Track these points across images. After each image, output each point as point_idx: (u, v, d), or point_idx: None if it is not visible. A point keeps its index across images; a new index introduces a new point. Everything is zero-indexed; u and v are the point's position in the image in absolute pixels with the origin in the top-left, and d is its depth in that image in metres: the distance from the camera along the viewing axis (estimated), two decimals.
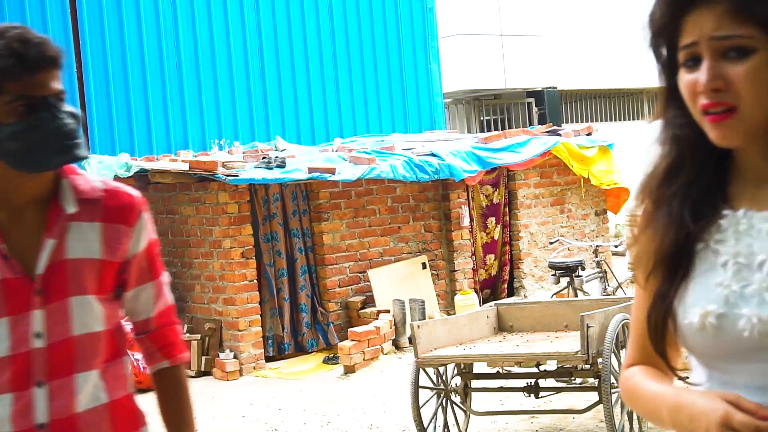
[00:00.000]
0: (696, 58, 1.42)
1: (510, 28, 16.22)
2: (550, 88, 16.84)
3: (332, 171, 9.03)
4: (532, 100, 16.92)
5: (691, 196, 1.47)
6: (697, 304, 1.43)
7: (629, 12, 17.78)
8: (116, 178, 8.61)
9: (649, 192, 1.53)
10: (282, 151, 9.86)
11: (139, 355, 8.35)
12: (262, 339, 8.99)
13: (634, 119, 18.50)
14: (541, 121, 15.78)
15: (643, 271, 1.54)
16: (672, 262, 1.48)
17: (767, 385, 1.39)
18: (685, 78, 1.44)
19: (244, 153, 9.84)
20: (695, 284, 1.45)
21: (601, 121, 17.88)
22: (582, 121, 17.25)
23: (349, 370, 8.45)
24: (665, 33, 1.46)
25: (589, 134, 11.54)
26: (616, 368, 5.45)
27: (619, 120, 18.34)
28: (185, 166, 8.66)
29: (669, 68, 1.49)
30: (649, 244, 1.51)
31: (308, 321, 9.44)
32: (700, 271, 1.45)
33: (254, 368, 8.82)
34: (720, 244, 1.45)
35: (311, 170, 8.94)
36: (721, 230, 1.46)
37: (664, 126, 1.52)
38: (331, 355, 9.00)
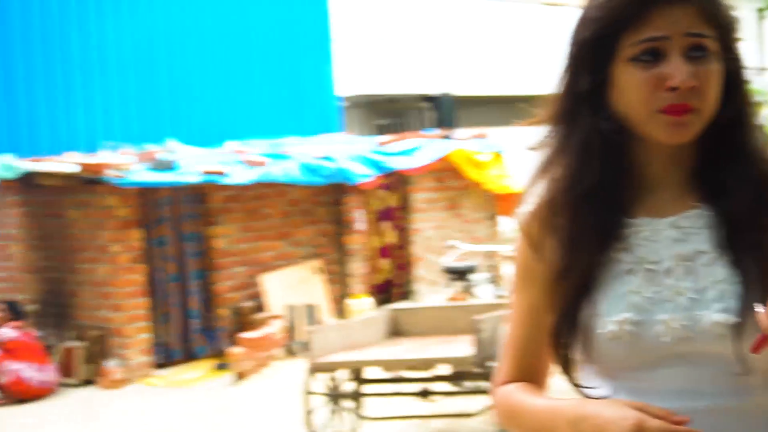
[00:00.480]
0: (655, 53, 1.38)
1: (407, 32, 16.26)
2: (445, 93, 16.95)
3: (225, 174, 8.87)
4: (427, 105, 17.00)
5: (596, 204, 1.44)
6: (611, 313, 1.40)
7: (521, 22, 18.06)
8: None
9: (551, 200, 1.48)
10: (173, 153, 9.62)
11: (19, 365, 8.04)
12: (150, 346, 8.76)
13: (525, 126, 18.76)
14: (437, 126, 15.86)
15: (532, 282, 1.51)
16: (577, 273, 1.43)
17: (677, 391, 1.39)
18: (641, 73, 1.38)
19: (133, 155, 9.57)
20: (605, 294, 1.42)
21: (495, 126, 18.09)
22: (476, 127, 17.42)
23: (240, 376, 8.30)
24: (624, 24, 1.39)
25: (483, 139, 11.64)
26: None
27: (512, 125, 18.59)
28: (74, 168, 8.37)
29: (601, 64, 1.42)
30: (550, 255, 1.47)
31: (198, 327, 9.24)
32: (607, 280, 1.42)
33: (142, 376, 8.57)
34: (623, 252, 1.43)
35: (204, 173, 8.77)
36: (624, 238, 1.44)
37: (569, 129, 1.46)
38: (222, 362, 8.82)
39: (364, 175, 9.95)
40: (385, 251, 10.90)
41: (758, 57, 25.27)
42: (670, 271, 1.41)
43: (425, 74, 16.50)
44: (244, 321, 9.33)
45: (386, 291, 10.96)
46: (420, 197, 11.14)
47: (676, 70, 1.36)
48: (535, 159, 1.53)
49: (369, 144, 10.90)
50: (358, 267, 10.42)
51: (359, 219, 10.41)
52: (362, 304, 9.71)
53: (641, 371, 1.40)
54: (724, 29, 1.41)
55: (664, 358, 1.38)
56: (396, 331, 6.48)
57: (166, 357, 9.09)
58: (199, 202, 9.40)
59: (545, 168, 1.50)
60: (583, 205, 1.44)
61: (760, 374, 1.38)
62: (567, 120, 1.47)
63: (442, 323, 6.41)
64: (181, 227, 9.25)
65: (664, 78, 1.37)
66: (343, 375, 6.19)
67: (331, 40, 12.62)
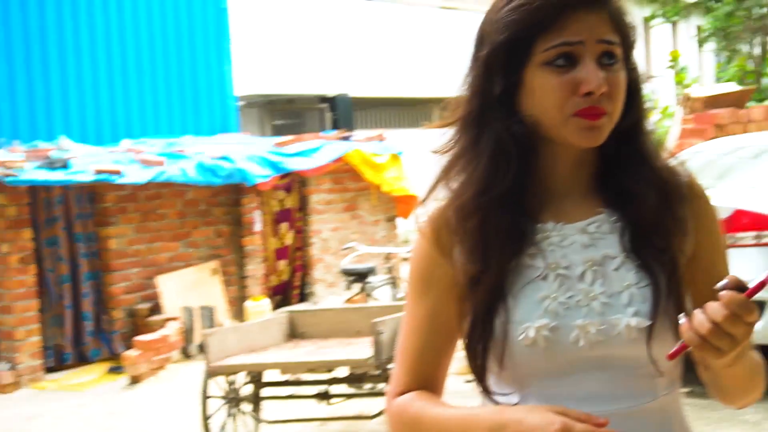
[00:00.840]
0: (569, 58, 1.39)
1: (304, 32, 16.24)
2: (343, 94, 16.99)
3: (119, 173, 8.72)
4: (325, 105, 17.02)
5: (507, 209, 1.44)
6: (527, 319, 1.40)
7: (418, 25, 18.22)
8: None
9: (460, 204, 1.46)
10: (66, 151, 9.39)
11: None
12: (41, 349, 8.53)
13: (422, 127, 18.94)
14: (335, 127, 15.89)
15: (433, 287, 1.49)
16: (490, 279, 1.42)
17: (591, 396, 1.40)
18: (555, 78, 1.40)
19: (24, 152, 9.31)
20: (519, 300, 1.41)
21: (393, 128, 18.21)
22: (374, 128, 17.51)
23: (135, 380, 8.17)
24: (539, 28, 1.39)
25: (380, 141, 11.71)
26: None
27: (409, 128, 18.75)
28: None
29: (515, 67, 1.42)
30: (460, 260, 1.45)
31: (92, 329, 9.05)
32: (520, 286, 1.42)
33: (32, 380, 8.35)
34: (533, 258, 1.44)
35: (97, 172, 8.59)
36: (534, 243, 1.44)
37: (478, 133, 1.45)
38: (116, 365, 8.66)
39: (261, 175, 9.90)
40: (283, 253, 10.87)
41: (645, 65, 26.04)
42: (582, 276, 1.42)
43: (323, 75, 16.52)
44: (139, 323, 9.18)
45: (284, 293, 10.93)
46: (318, 198, 11.15)
47: (591, 75, 1.38)
48: (438, 162, 1.51)
49: (266, 144, 10.85)
50: (256, 268, 10.37)
51: (257, 220, 10.36)
52: (260, 306, 9.66)
53: (556, 377, 1.41)
54: (627, 38, 1.45)
55: (579, 364, 1.40)
56: (294, 333, 6.47)
57: (58, 360, 8.87)
58: (93, 201, 9.21)
59: (450, 171, 1.49)
60: (495, 210, 1.43)
61: (666, 375, 1.44)
62: (476, 123, 1.45)
63: (340, 325, 6.43)
64: (74, 227, 9.04)
65: (578, 83, 1.39)
66: (241, 378, 6.16)
67: (229, 39, 12.51)
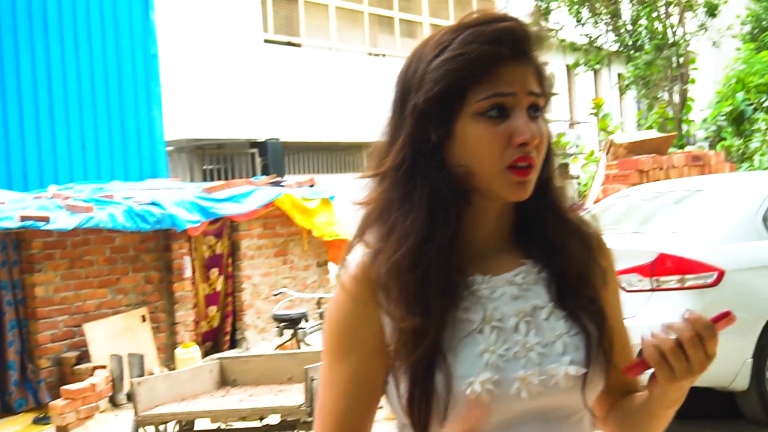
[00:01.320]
0: (502, 110, 1.41)
1: (233, 77, 16.26)
2: (273, 139, 17.02)
3: (46, 219, 8.59)
4: (255, 150, 17.02)
5: (441, 263, 1.41)
6: (470, 374, 1.37)
7: (347, 71, 18.38)
8: None
9: (391, 260, 1.41)
10: None
11: None
12: None
13: (353, 172, 19.05)
14: (265, 172, 15.88)
15: (357, 347, 1.44)
16: (429, 336, 1.38)
17: None
18: (491, 129, 1.40)
19: None
20: (459, 355, 1.39)
21: (323, 173, 18.27)
22: (304, 173, 17.55)
23: (62, 430, 7.99)
24: (473, 79, 1.40)
25: (311, 186, 11.75)
26: None
27: (340, 172, 18.83)
28: None
29: (447, 118, 1.41)
30: (395, 318, 1.40)
31: (17, 379, 8.85)
32: (456, 341, 1.40)
33: None
34: (467, 311, 1.42)
35: (23, 218, 8.46)
36: (465, 297, 1.43)
37: (410, 185, 1.43)
38: (42, 415, 8.47)
39: (191, 221, 9.86)
40: (213, 299, 10.79)
41: (568, 112, 26.61)
42: (517, 328, 1.42)
43: (253, 120, 16.53)
44: (66, 372, 9.01)
45: (215, 339, 10.84)
46: (249, 244, 11.12)
47: (525, 126, 1.40)
48: (361, 213, 1.49)
49: (196, 190, 10.81)
50: (186, 315, 10.28)
51: (187, 266, 10.29)
52: (191, 353, 9.56)
53: (498, 431, 1.40)
54: (547, 91, 1.48)
55: (520, 416, 1.40)
56: (225, 380, 6.43)
57: None
58: (19, 248, 9.06)
59: (377, 223, 1.45)
60: (433, 263, 1.40)
61: (591, 422, 1.50)
62: (409, 174, 1.42)
63: (272, 372, 6.41)
64: None
65: (512, 133, 1.39)
66: (171, 427, 6.09)
67: (159, 83, 12.48)
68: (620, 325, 1.57)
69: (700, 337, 1.34)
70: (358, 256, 1.46)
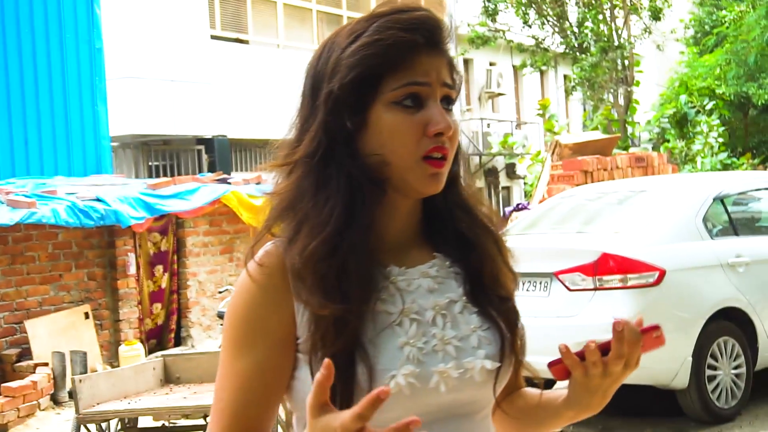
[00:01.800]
0: (417, 100, 1.39)
1: (180, 73, 16.13)
2: (220, 136, 16.91)
3: None
4: (202, 147, 16.89)
5: (359, 254, 1.37)
6: (391, 367, 1.34)
7: (295, 67, 18.32)
8: None
9: (306, 251, 1.36)
10: None
11: None
12: None
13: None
14: (211, 169, 15.78)
15: (262, 340, 1.37)
16: (351, 325, 1.34)
17: None
18: (407, 118, 1.38)
19: None
20: (379, 347, 1.35)
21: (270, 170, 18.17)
22: (251, 170, 17.47)
23: (2, 428, 7.88)
24: (389, 67, 1.38)
25: (258, 183, 11.70)
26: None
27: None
28: None
29: (361, 107, 1.39)
30: (314, 309, 1.35)
31: None
32: (375, 333, 1.36)
33: None
34: (385, 303, 1.39)
35: None
36: (382, 289, 1.40)
37: (323, 175, 1.39)
38: None
39: (136, 217, 9.76)
40: (158, 296, 10.70)
41: (515, 112, 26.83)
42: (434, 321, 1.40)
43: (199, 116, 16.42)
44: (6, 369, 8.87)
45: (159, 337, 10.75)
46: (194, 241, 11.04)
47: (440, 116, 1.38)
48: (274, 205, 1.45)
49: (141, 186, 10.71)
50: (130, 312, 10.18)
51: (131, 262, 10.19)
52: (134, 351, 9.47)
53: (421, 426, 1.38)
54: (458, 86, 1.47)
55: (436, 410, 1.38)
56: (169, 378, 6.37)
57: None
58: None
59: (286, 215, 1.42)
60: (348, 254, 1.36)
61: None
62: (324, 163, 1.40)
63: (216, 370, 6.36)
64: None
65: (427, 123, 1.38)
66: (114, 425, 6.03)
67: (104, 78, 12.33)
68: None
69: (625, 347, 1.37)
70: (268, 245, 1.42)
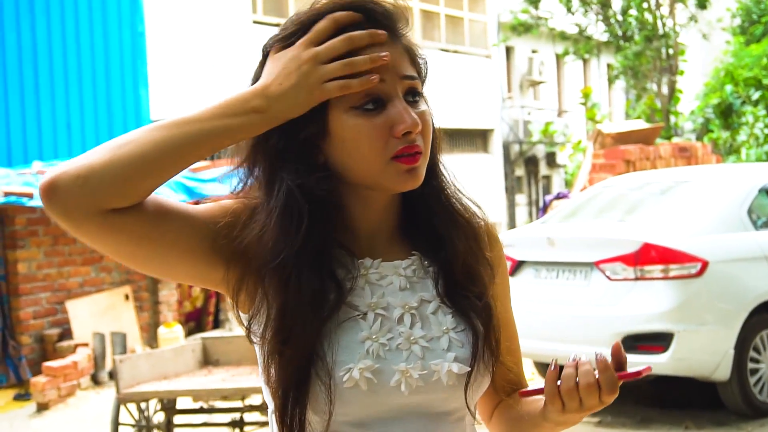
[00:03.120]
0: (377, 100, 1.31)
1: (221, 57, 16.20)
2: None
3: (30, 195, 8.54)
4: None
5: (323, 244, 1.33)
6: (349, 360, 1.30)
7: None
8: None
9: (269, 253, 1.32)
10: None
11: None
12: None
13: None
14: None
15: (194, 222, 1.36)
16: (311, 323, 1.30)
17: None
18: (368, 122, 1.31)
19: None
20: (340, 340, 1.31)
21: None
22: None
23: (43, 407, 7.98)
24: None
25: None
26: None
27: None
28: None
29: (317, 112, 1.31)
30: (275, 305, 1.32)
31: None
32: (336, 324, 1.32)
33: None
34: (352, 295, 1.34)
35: (7, 194, 8.41)
36: (351, 279, 1.35)
37: (278, 181, 1.34)
38: (23, 392, 8.45)
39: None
40: None
41: (557, 101, 26.64)
42: (402, 319, 1.35)
43: None
44: (48, 349, 8.99)
45: (198, 319, 10.82)
46: None
47: (405, 114, 1.30)
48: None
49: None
50: (169, 294, 10.25)
51: None
52: (173, 333, 9.55)
53: (372, 424, 1.33)
54: (422, 72, 1.39)
55: (396, 409, 1.33)
56: (208, 360, 6.42)
57: None
58: (2, 224, 9.02)
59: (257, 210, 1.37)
60: (306, 264, 1.31)
61: (469, 420, 1.44)
62: (276, 170, 1.35)
63: (254, 353, 6.35)
64: None
65: (392, 124, 1.30)
66: (152, 405, 6.08)
67: (146, 62, 12.41)
68: (508, 320, 1.51)
69: (599, 386, 1.30)
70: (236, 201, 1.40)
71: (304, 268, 1.31)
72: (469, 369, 1.35)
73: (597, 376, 1.30)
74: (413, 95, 1.35)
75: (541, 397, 1.38)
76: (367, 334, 1.32)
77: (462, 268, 1.41)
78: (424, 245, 1.42)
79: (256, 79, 1.36)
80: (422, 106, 1.35)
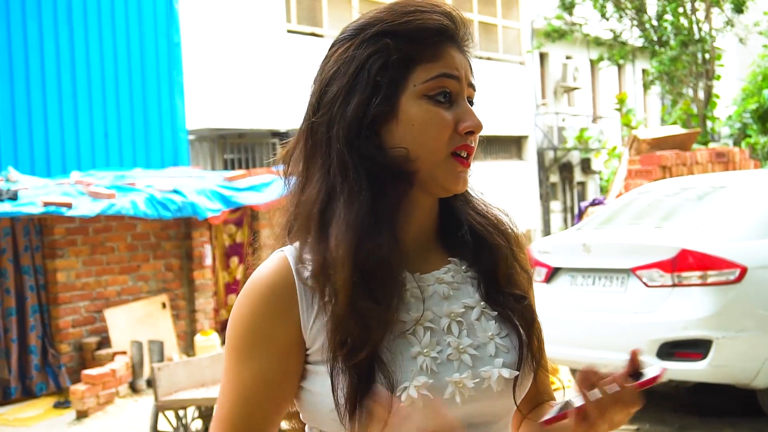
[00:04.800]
0: (447, 96, 1.35)
1: (256, 67, 16.29)
2: (294, 129, 17.01)
3: (69, 205, 8.65)
4: (277, 140, 17.03)
5: (387, 258, 1.30)
6: (405, 378, 1.29)
7: None
8: None
9: (323, 256, 1.31)
10: (14, 182, 9.31)
11: None
12: None
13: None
14: None
15: (266, 350, 1.32)
16: (372, 339, 1.28)
17: None
18: (440, 112, 1.34)
19: None
20: (394, 358, 1.30)
21: None
22: None
23: (82, 414, 8.06)
24: (421, 54, 1.34)
25: None
26: None
27: None
28: None
29: (388, 95, 1.33)
30: (334, 318, 1.30)
31: (38, 363, 8.92)
32: (391, 342, 1.31)
33: None
34: (399, 311, 1.33)
35: (46, 204, 8.51)
36: (399, 296, 1.34)
37: (360, 166, 1.33)
38: (63, 400, 8.55)
39: (212, 209, 9.89)
40: (233, 287, 10.83)
41: (592, 106, 26.50)
42: (449, 329, 1.35)
43: (274, 109, 16.56)
44: (86, 357, 9.08)
45: None
46: (269, 233, 11.12)
47: (472, 114, 1.36)
48: (303, 206, 1.37)
49: (217, 178, 10.85)
50: (206, 303, 10.32)
51: (207, 254, 10.33)
52: (210, 341, 9.60)
53: None
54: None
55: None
56: None
57: (3, 394, 8.73)
58: (41, 233, 9.13)
59: (301, 222, 1.37)
60: (376, 260, 1.29)
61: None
62: (353, 158, 1.33)
63: None
64: (21, 259, 8.94)
65: (459, 120, 1.34)
66: (190, 413, 6.12)
67: (182, 72, 12.52)
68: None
69: (623, 404, 1.28)
70: (275, 254, 1.38)
71: (385, 260, 1.30)
72: (518, 373, 1.35)
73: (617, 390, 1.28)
74: (470, 103, 1.39)
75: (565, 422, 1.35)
76: (419, 349, 1.31)
77: (504, 272, 1.42)
78: (461, 251, 1.42)
79: (321, 73, 1.40)
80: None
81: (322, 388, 1.31)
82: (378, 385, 1.27)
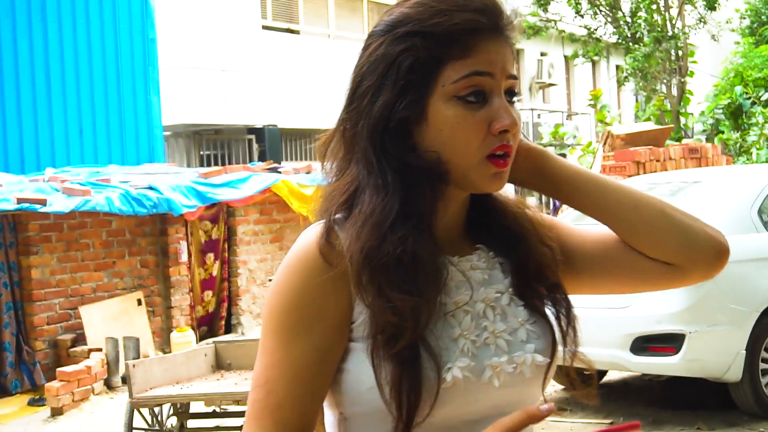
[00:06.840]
0: (480, 94, 1.30)
1: (231, 63, 16.25)
2: (270, 125, 17.01)
3: (43, 202, 8.60)
4: (252, 136, 17.01)
5: (424, 244, 1.29)
6: (448, 360, 1.28)
7: (345, 57, 18.36)
8: None
9: (372, 240, 1.28)
10: None
11: None
12: None
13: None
14: (262, 158, 15.89)
15: (313, 329, 1.28)
16: (420, 320, 1.26)
17: None
18: (471, 115, 1.30)
19: None
20: (438, 339, 1.28)
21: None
22: (302, 160, 17.55)
23: (57, 412, 8.02)
24: (449, 51, 1.29)
25: (308, 173, 11.75)
26: None
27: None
28: None
29: (419, 96, 1.30)
30: (376, 303, 1.27)
31: (12, 360, 8.87)
32: (433, 325, 1.29)
33: None
34: (441, 295, 1.32)
35: (20, 201, 8.46)
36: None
37: (380, 165, 1.31)
38: (37, 397, 8.49)
39: (188, 206, 9.86)
40: (209, 284, 10.80)
41: (566, 102, 26.61)
42: (485, 314, 1.35)
43: (250, 106, 16.53)
44: (61, 354, 9.03)
45: (210, 324, 10.86)
46: (245, 229, 11.13)
47: (505, 111, 1.30)
48: (330, 195, 1.37)
49: (193, 175, 10.82)
50: (181, 299, 10.30)
51: (183, 250, 10.30)
52: (186, 338, 9.58)
53: (466, 424, 1.31)
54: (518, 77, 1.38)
55: (489, 407, 1.32)
56: (220, 364, 6.44)
57: None
58: (15, 230, 9.07)
59: (343, 206, 1.34)
60: (417, 246, 1.28)
61: None
62: (377, 155, 1.31)
63: None
64: None
65: (491, 120, 1.30)
66: (165, 410, 6.11)
67: (157, 69, 12.47)
68: (586, 230, 1.55)
69: None
70: (317, 228, 1.33)
71: (422, 243, 1.29)
72: (550, 360, 1.36)
73: None
74: (511, 95, 1.34)
75: None
76: (459, 331, 1.30)
77: (536, 261, 1.41)
78: (487, 239, 1.42)
79: (358, 66, 1.38)
80: (518, 107, 1.36)
81: (361, 366, 1.28)
82: (424, 369, 1.25)
